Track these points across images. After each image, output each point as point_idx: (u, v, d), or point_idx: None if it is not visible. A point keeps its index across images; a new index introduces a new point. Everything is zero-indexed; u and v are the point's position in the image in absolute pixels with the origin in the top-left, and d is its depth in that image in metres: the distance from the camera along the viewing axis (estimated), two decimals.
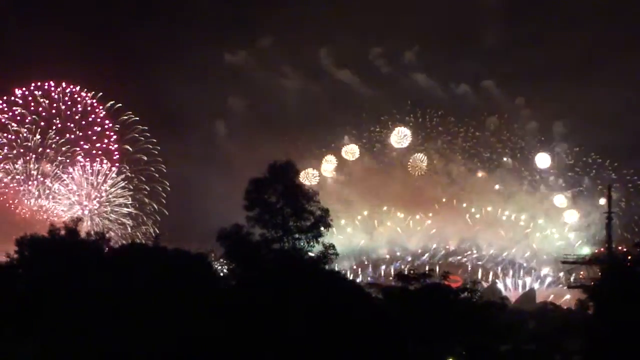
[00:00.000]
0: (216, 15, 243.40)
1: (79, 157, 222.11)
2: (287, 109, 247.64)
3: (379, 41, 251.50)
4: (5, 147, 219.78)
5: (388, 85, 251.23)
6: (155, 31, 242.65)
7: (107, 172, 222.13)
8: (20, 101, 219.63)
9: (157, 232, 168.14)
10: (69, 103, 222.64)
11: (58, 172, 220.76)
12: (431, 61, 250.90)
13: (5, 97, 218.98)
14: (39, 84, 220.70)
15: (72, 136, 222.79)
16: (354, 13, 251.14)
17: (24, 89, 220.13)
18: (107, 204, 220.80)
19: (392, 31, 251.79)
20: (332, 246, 71.01)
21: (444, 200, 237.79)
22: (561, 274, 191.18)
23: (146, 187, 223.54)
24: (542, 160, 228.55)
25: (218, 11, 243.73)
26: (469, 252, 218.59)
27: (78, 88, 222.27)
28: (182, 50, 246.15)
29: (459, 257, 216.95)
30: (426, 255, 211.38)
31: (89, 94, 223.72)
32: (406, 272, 76.92)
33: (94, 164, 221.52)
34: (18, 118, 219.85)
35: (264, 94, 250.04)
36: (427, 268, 76.72)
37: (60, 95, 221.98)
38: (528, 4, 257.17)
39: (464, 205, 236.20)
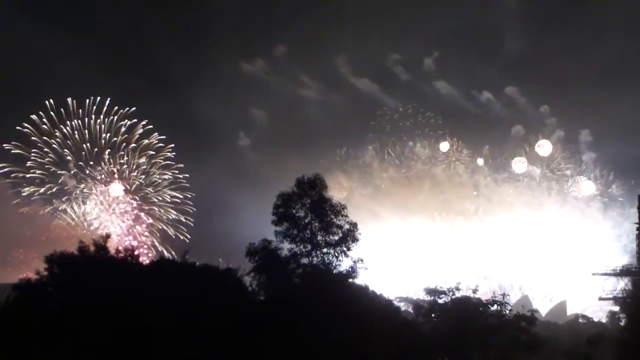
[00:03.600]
0: (233, 26, 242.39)
1: (106, 172, 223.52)
2: (307, 120, 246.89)
3: (396, 48, 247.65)
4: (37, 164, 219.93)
5: (408, 93, 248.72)
6: (175, 44, 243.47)
7: (134, 187, 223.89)
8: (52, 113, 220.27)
9: (186, 249, 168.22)
10: (99, 117, 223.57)
11: (88, 188, 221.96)
12: (452, 68, 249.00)
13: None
14: (68, 99, 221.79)
15: (101, 150, 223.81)
16: (369, 20, 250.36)
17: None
18: (134, 219, 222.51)
19: (410, 37, 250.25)
20: (361, 260, 70.23)
21: (472, 209, 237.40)
22: (592, 286, 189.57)
23: (176, 199, 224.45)
24: (587, 187, 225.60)
25: (235, 22, 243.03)
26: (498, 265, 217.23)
27: (107, 102, 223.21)
28: (201, 62, 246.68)
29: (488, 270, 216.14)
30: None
31: (121, 110, 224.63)
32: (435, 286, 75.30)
33: (122, 179, 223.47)
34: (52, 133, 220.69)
35: (284, 105, 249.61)
36: (456, 282, 74.88)
37: (91, 109, 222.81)
38: (553, 11, 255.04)
39: (491, 216, 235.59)
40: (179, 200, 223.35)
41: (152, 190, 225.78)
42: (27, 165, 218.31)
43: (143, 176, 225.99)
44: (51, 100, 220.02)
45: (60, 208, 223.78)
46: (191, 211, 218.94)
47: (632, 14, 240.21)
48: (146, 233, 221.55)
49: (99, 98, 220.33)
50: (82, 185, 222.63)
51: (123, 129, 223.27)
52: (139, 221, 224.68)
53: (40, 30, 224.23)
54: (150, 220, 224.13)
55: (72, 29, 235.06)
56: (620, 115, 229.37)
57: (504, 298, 77.42)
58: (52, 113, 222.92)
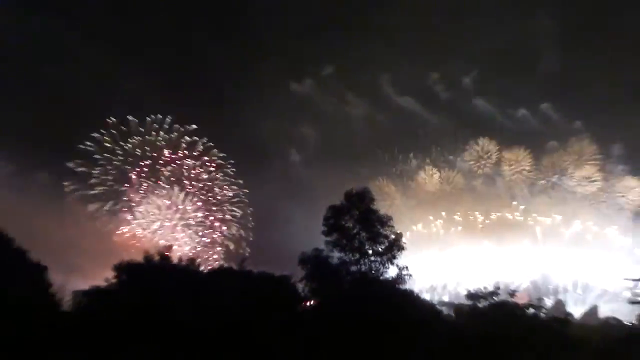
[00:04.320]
0: (283, 48, 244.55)
1: (168, 185, 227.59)
2: (354, 136, 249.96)
3: (437, 67, 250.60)
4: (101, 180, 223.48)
5: (448, 111, 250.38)
6: (231, 66, 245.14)
7: (196, 199, 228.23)
8: (114, 131, 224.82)
9: (244, 256, 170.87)
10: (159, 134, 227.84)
11: (152, 200, 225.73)
12: (489, 86, 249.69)
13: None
14: (129, 117, 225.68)
15: (163, 166, 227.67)
16: (411, 41, 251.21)
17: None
18: (196, 230, 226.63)
19: (450, 58, 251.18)
20: (406, 267, 72.04)
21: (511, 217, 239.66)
22: (624, 291, 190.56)
23: (234, 212, 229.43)
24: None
25: (285, 44, 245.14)
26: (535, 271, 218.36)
27: (169, 119, 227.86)
28: (254, 83, 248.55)
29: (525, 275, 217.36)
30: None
31: (184, 127, 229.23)
32: (475, 291, 77.16)
33: (184, 192, 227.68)
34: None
35: (332, 122, 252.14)
36: (495, 286, 76.69)
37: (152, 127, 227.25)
38: (584, 30, 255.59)
39: (531, 223, 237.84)
40: (238, 215, 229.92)
41: (215, 208, 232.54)
42: (91, 182, 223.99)
43: (205, 190, 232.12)
44: (113, 119, 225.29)
45: (123, 220, 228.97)
46: (250, 226, 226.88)
47: None
48: (208, 244, 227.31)
49: (160, 116, 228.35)
50: (144, 200, 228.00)
51: (183, 145, 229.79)
52: (203, 234, 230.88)
53: (104, 54, 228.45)
54: (217, 234, 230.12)
55: (134, 52, 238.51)
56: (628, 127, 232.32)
57: (539, 302, 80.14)
58: (113, 131, 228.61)
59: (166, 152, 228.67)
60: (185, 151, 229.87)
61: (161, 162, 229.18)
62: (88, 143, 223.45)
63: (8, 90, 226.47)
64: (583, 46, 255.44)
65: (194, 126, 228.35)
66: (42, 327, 63.77)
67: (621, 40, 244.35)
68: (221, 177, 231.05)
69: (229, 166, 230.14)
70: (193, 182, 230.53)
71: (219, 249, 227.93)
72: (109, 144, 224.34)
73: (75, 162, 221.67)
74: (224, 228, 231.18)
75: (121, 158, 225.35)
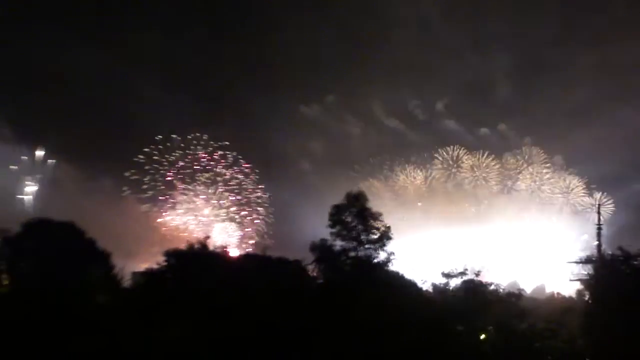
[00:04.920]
0: (296, 78, 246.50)
1: (206, 188, 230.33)
2: (352, 150, 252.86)
3: (416, 95, 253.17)
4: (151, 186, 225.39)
5: (425, 129, 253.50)
6: (254, 92, 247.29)
7: (227, 199, 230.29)
8: (161, 146, 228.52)
9: (265, 245, 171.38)
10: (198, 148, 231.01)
11: (192, 200, 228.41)
12: (458, 110, 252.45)
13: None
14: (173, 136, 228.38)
15: (202, 172, 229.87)
16: (396, 74, 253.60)
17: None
18: (229, 223, 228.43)
19: (427, 87, 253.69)
20: (393, 253, 72.35)
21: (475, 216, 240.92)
22: (565, 272, 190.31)
23: (258, 210, 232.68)
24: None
25: (297, 75, 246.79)
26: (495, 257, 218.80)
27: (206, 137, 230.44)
28: (272, 106, 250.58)
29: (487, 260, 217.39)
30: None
31: (218, 143, 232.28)
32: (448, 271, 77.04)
33: (219, 194, 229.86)
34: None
35: (335, 138, 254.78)
36: (464, 268, 76.62)
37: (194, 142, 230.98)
38: (532, 64, 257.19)
39: (490, 221, 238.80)
40: (261, 212, 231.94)
41: (243, 206, 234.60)
42: (143, 187, 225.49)
43: (235, 193, 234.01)
44: (160, 136, 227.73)
45: (169, 216, 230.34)
46: (270, 221, 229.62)
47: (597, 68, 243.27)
48: (238, 235, 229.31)
49: (198, 134, 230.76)
50: (186, 200, 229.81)
51: (217, 157, 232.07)
52: (233, 227, 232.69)
53: (154, 84, 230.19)
54: (249, 229, 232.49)
55: (178, 83, 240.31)
56: (588, 144, 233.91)
57: (498, 280, 79.63)
58: (160, 146, 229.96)
59: (203, 162, 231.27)
60: (219, 162, 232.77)
61: (199, 169, 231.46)
62: (141, 156, 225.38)
63: (79, 113, 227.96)
64: (531, 76, 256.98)
65: (227, 143, 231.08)
66: (106, 301, 64.29)
67: (561, 72, 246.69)
68: (248, 182, 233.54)
69: (254, 173, 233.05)
70: (225, 186, 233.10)
71: (246, 239, 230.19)
72: (156, 156, 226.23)
73: (131, 171, 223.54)
74: (251, 222, 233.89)
75: (166, 167, 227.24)
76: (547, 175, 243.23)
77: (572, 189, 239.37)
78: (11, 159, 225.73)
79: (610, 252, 72.18)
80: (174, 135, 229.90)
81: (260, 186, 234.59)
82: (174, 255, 73.25)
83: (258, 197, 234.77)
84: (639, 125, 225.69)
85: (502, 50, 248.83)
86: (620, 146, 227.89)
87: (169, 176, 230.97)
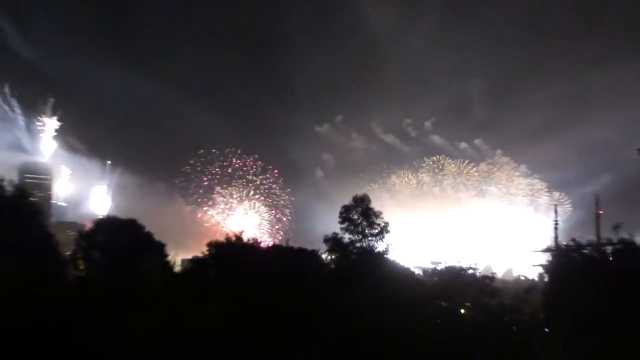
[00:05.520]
0: (310, 102, 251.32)
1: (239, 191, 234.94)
2: (357, 160, 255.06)
3: (408, 115, 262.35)
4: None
5: (416, 144, 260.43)
6: (276, 114, 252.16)
7: (258, 200, 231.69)
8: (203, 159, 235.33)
9: (288, 237, 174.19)
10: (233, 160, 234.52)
11: (230, 201, 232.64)
12: (442, 128, 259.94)
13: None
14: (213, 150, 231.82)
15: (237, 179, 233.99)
16: (392, 98, 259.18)
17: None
18: (259, 220, 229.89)
19: (418, 108, 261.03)
20: (391, 244, 72.84)
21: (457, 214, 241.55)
22: (529, 259, 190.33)
23: (281, 210, 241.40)
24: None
25: (311, 99, 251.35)
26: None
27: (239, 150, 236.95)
28: (292, 126, 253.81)
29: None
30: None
31: (252, 158, 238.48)
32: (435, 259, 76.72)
33: (250, 195, 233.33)
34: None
35: (343, 151, 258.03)
36: (447, 256, 76.33)
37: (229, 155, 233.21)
38: (503, 89, 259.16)
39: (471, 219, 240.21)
40: (285, 211, 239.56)
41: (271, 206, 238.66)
42: (190, 191, 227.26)
43: (264, 196, 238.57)
44: (202, 150, 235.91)
45: (211, 214, 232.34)
46: (291, 219, 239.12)
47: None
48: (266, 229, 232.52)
49: (233, 148, 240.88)
50: (224, 201, 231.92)
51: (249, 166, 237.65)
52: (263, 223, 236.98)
53: (194, 106, 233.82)
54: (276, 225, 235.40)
55: (213, 104, 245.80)
56: (548, 155, 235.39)
57: (476, 266, 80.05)
58: (202, 159, 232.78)
59: (237, 171, 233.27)
60: (251, 170, 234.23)
61: (234, 176, 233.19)
62: (187, 167, 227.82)
63: (138, 132, 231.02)
64: (503, 101, 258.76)
65: (256, 155, 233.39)
66: (161, 283, 64.19)
67: (527, 97, 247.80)
68: (275, 187, 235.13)
69: (279, 180, 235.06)
70: (256, 190, 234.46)
71: (273, 232, 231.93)
72: (199, 167, 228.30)
73: (179, 179, 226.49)
74: (277, 219, 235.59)
75: (208, 175, 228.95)
76: (516, 181, 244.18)
77: (536, 192, 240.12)
78: (86, 169, 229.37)
79: (565, 243, 71.72)
80: (213, 150, 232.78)
81: (283, 190, 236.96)
82: (214, 246, 73.01)
83: (282, 199, 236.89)
84: (591, 140, 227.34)
85: (478, 80, 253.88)
86: (574, 157, 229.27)
87: (209, 182, 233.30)
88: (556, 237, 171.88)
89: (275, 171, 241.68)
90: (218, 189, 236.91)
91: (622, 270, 56.25)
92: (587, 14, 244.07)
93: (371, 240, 72.42)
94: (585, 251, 62.61)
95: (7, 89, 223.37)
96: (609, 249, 60.01)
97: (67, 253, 68.95)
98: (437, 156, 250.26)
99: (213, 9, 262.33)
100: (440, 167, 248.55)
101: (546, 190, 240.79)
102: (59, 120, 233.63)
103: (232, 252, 71.44)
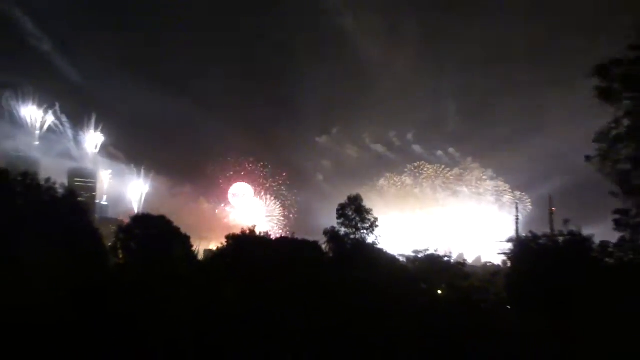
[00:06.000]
0: (311, 116, 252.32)
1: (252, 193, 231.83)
2: (352, 167, 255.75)
3: (393, 127, 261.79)
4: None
5: (399, 152, 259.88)
6: (280, 126, 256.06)
7: (266, 200, 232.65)
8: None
9: (293, 231, 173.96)
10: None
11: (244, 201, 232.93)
12: (421, 138, 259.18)
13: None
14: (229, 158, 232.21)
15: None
16: (380, 113, 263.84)
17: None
18: (269, 216, 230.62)
19: (401, 122, 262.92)
20: (380, 236, 72.47)
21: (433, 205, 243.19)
22: (495, 248, 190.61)
23: (287, 207, 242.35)
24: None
25: (312, 113, 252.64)
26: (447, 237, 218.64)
27: (252, 158, 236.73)
28: (294, 137, 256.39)
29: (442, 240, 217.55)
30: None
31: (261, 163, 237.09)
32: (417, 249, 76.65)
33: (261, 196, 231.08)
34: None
35: (340, 158, 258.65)
36: (427, 246, 76.31)
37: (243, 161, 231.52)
38: (474, 104, 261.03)
39: (445, 214, 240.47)
40: (291, 209, 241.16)
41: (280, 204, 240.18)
42: (211, 192, 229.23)
43: (274, 196, 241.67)
44: (220, 158, 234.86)
45: (229, 212, 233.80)
46: (296, 216, 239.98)
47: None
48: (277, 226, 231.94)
49: (251, 158, 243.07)
50: (239, 200, 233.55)
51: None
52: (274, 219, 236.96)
53: (212, 119, 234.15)
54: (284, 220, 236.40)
55: (228, 117, 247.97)
56: (511, 161, 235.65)
57: (450, 254, 79.91)
58: (221, 165, 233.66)
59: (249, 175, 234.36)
60: (261, 174, 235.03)
61: (247, 180, 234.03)
62: (209, 172, 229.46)
63: (167, 142, 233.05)
64: (473, 116, 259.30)
65: (266, 162, 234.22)
66: (185, 270, 64.30)
67: (494, 113, 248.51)
68: (283, 189, 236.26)
69: (286, 183, 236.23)
70: (267, 192, 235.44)
71: (280, 226, 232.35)
72: (218, 172, 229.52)
73: (202, 181, 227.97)
74: (284, 216, 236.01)
75: (225, 179, 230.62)
76: (483, 183, 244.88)
77: (500, 192, 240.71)
78: (124, 173, 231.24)
79: (524, 235, 71.82)
80: (229, 158, 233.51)
81: (290, 191, 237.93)
82: (232, 238, 73.14)
83: (289, 199, 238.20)
84: (547, 149, 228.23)
85: (452, 98, 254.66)
86: (533, 163, 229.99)
87: (227, 184, 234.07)
88: (517, 230, 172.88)
89: (284, 174, 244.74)
90: (235, 190, 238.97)
91: (570, 256, 56.44)
92: (546, 39, 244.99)
93: (363, 233, 71.99)
94: (540, 241, 62.58)
95: (57, 108, 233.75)
96: (560, 239, 60.03)
97: (109, 244, 69.07)
98: (418, 162, 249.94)
99: (228, 44, 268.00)
100: (421, 171, 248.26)
101: (509, 190, 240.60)
102: (101, 132, 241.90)
103: (246, 243, 71.60)
